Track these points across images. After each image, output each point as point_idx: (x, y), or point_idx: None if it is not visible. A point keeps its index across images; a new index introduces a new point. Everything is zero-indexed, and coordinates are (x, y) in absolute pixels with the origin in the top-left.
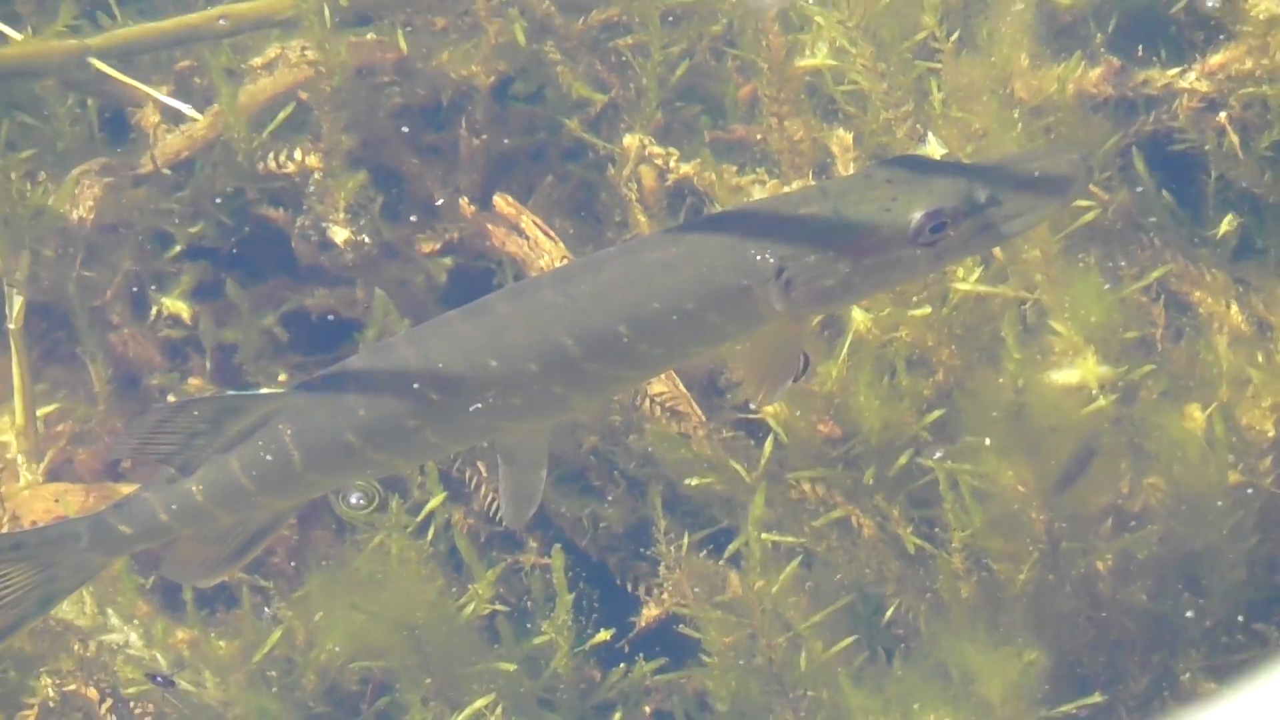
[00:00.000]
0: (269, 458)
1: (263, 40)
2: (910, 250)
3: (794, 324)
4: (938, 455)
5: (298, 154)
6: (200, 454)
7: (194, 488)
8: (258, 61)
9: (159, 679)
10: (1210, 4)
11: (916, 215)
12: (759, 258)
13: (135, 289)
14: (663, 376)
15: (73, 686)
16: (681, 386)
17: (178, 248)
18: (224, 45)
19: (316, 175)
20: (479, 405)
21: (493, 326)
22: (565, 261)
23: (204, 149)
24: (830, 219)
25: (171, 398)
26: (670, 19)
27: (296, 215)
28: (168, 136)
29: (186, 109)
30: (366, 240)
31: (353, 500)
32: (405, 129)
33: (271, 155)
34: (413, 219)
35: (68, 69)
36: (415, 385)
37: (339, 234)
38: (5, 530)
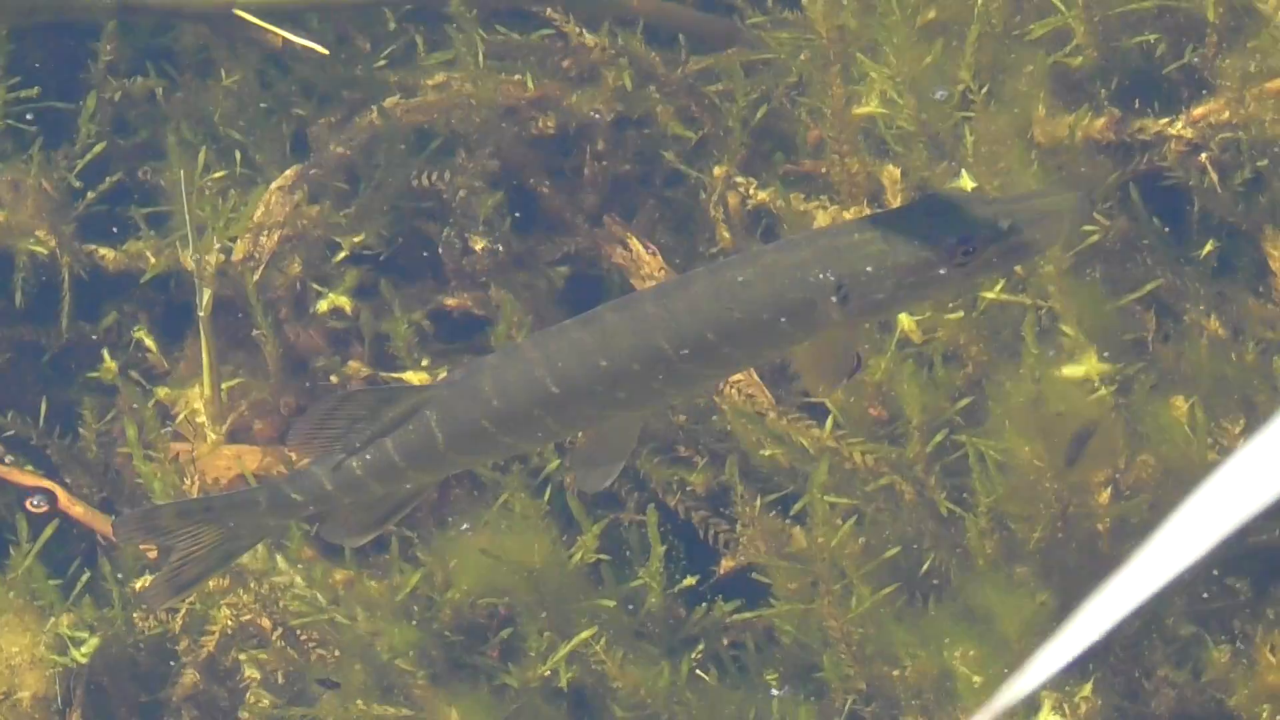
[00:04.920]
0: (418, 440)
1: (435, 69)
2: (946, 270)
3: (850, 330)
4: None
5: (447, 174)
6: (360, 436)
7: (354, 463)
8: (430, 82)
9: (324, 682)
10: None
11: (951, 241)
12: (821, 276)
13: (305, 287)
14: None
15: (248, 616)
16: (755, 375)
17: (343, 254)
18: (392, 83)
19: (461, 193)
20: (591, 397)
21: (603, 333)
22: (660, 271)
23: (364, 151)
24: (880, 244)
25: (334, 378)
26: (752, 72)
27: (444, 227)
28: (336, 138)
29: (316, 47)
30: (500, 249)
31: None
32: (539, 154)
33: (426, 174)
34: (538, 233)
35: (214, 19)
36: (541, 380)
37: (478, 243)
38: (196, 489)
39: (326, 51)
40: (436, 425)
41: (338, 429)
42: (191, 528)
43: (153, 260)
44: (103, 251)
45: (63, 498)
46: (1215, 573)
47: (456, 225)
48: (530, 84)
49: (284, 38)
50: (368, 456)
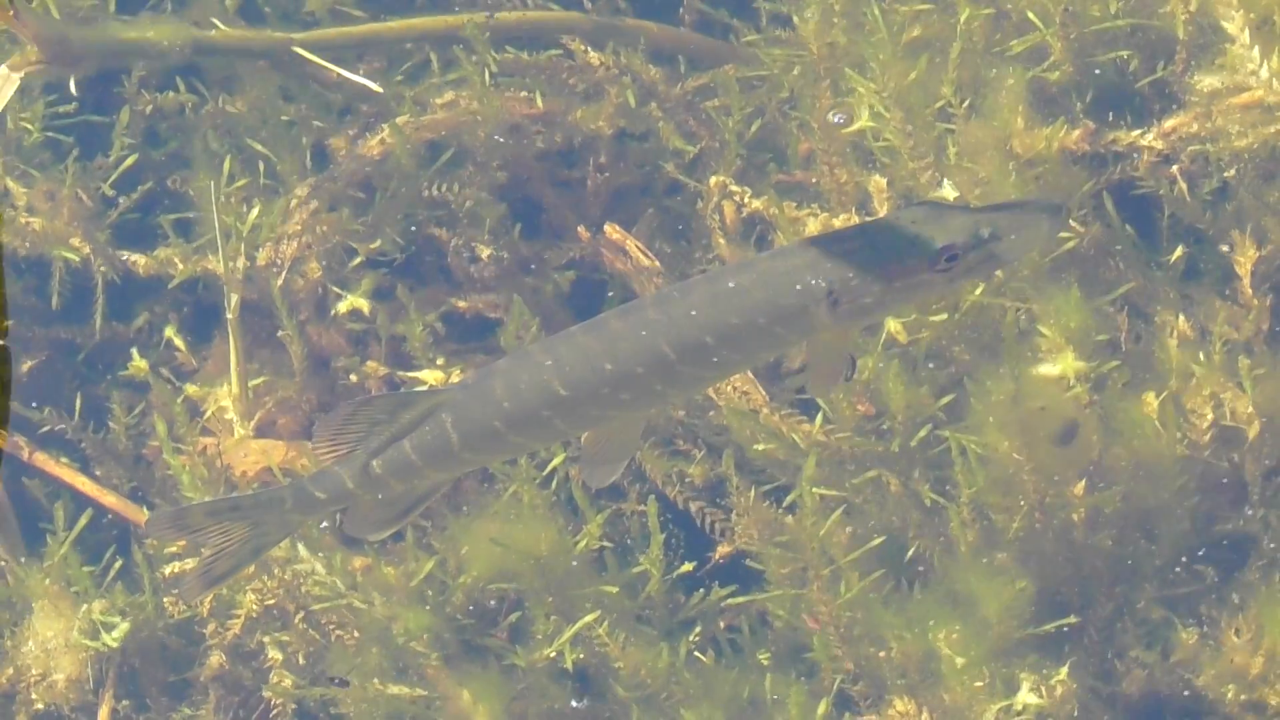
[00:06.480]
0: (434, 440)
1: (443, 87)
2: (930, 275)
3: (840, 333)
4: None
5: (456, 186)
6: (379, 438)
7: (374, 463)
8: (439, 101)
9: (336, 680)
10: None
11: (935, 248)
12: (813, 282)
13: (325, 290)
14: None
15: (272, 601)
16: (750, 373)
17: (359, 259)
18: (408, 99)
19: (468, 204)
20: (597, 399)
21: (608, 338)
22: (659, 277)
23: (379, 164)
24: (868, 251)
25: (354, 377)
26: (747, 87)
27: (453, 235)
28: (353, 151)
29: (371, 84)
30: (505, 256)
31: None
32: (545, 166)
33: (436, 185)
34: (544, 240)
35: (276, 55)
36: (550, 383)
37: (483, 251)
38: (224, 486)
39: (380, 89)
40: (452, 427)
41: (359, 432)
42: (221, 525)
43: (180, 266)
44: (134, 257)
45: (91, 488)
46: (1184, 560)
47: (464, 234)
48: (540, 101)
49: (339, 74)
50: (387, 456)
